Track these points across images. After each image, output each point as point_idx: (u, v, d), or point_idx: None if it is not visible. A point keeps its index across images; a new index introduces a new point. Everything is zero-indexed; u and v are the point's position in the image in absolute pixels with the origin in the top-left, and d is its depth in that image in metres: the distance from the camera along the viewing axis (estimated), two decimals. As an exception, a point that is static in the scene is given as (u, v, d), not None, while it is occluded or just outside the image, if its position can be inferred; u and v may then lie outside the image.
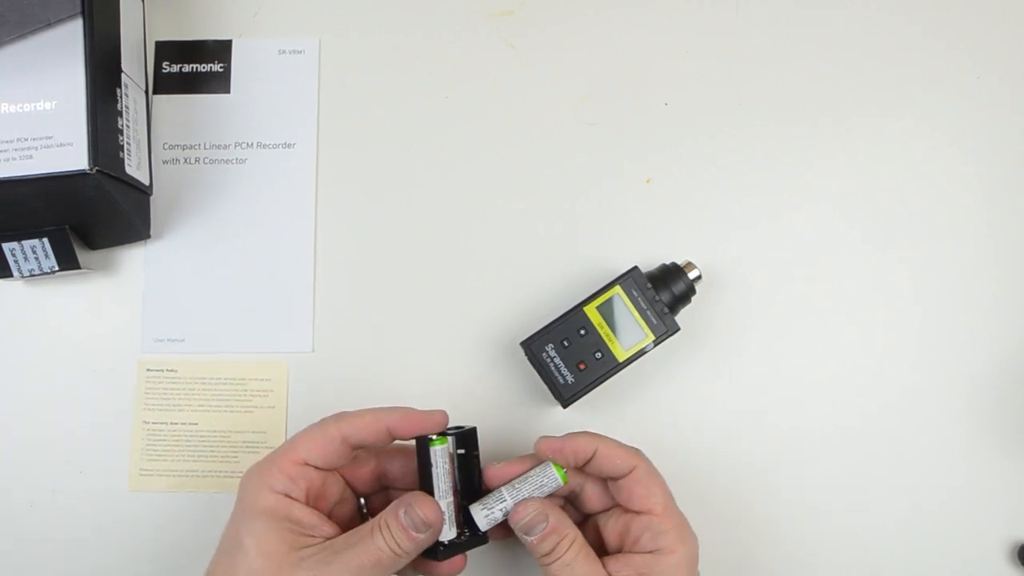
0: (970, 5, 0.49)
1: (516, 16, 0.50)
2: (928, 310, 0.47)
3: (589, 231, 0.48)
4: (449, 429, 0.39)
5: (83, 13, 0.41)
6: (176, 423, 0.46)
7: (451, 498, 0.38)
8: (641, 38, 0.50)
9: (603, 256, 0.47)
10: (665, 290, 0.43)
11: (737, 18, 0.50)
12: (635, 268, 0.43)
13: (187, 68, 0.49)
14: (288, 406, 0.46)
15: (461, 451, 0.39)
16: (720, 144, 0.48)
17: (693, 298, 0.44)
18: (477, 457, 0.40)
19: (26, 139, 0.40)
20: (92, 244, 0.46)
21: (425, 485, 0.37)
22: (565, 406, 0.43)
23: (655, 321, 0.43)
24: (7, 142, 0.40)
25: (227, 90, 0.49)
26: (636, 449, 0.39)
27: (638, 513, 0.37)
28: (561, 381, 0.42)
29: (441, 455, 0.37)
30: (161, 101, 0.49)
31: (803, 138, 0.48)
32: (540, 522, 0.37)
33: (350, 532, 0.36)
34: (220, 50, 0.49)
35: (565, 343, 0.42)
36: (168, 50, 0.49)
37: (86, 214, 0.43)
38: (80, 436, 0.46)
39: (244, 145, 0.48)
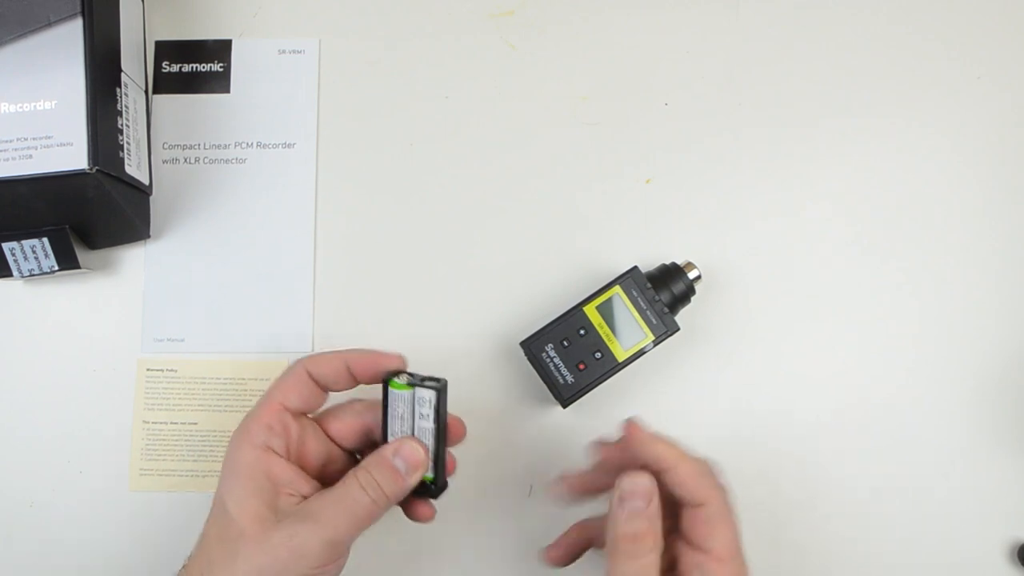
0: (970, 6, 0.49)
1: (516, 16, 0.50)
2: (928, 310, 0.47)
3: (589, 231, 0.48)
4: (428, 381, 0.37)
5: (83, 13, 0.41)
6: (176, 423, 0.46)
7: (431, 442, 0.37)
8: (641, 38, 0.50)
9: (603, 256, 0.47)
10: (665, 290, 0.43)
11: (737, 18, 0.50)
12: (635, 268, 0.43)
13: (187, 68, 0.49)
14: (288, 406, 0.46)
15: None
16: (720, 144, 0.48)
17: (693, 298, 0.44)
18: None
19: (26, 139, 0.40)
20: (92, 244, 0.46)
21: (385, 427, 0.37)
22: (565, 406, 0.43)
23: (655, 321, 0.43)
24: (7, 142, 0.40)
25: (227, 90, 0.49)
26: (715, 484, 0.35)
27: (697, 548, 0.35)
28: (561, 381, 0.42)
29: (402, 399, 0.36)
30: (161, 101, 0.49)
31: (803, 138, 0.48)
32: (644, 499, 0.34)
33: (328, 489, 0.35)
34: (220, 50, 0.49)
35: (565, 343, 0.42)
36: (168, 50, 0.49)
37: (86, 214, 0.43)
38: (80, 436, 0.46)
39: (244, 145, 0.48)
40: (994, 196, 0.48)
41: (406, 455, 0.35)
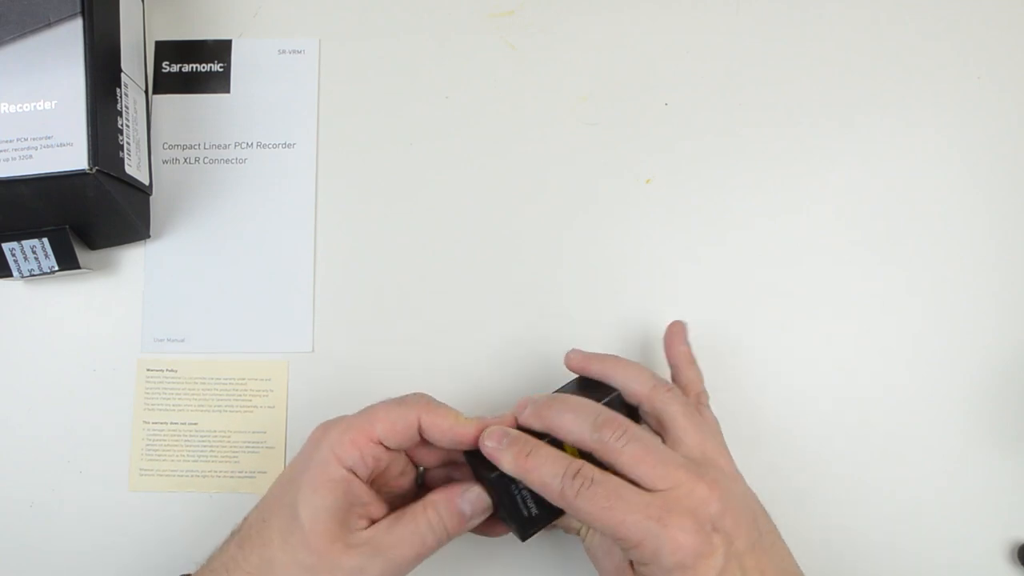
0: (970, 6, 0.49)
1: (516, 16, 0.50)
2: (927, 310, 0.47)
3: (589, 231, 0.48)
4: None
5: (83, 13, 0.41)
6: (176, 423, 0.46)
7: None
8: (641, 38, 0.50)
9: (603, 256, 0.47)
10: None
11: (737, 18, 0.50)
12: (616, 394, 0.39)
13: (187, 68, 0.49)
14: (288, 406, 0.46)
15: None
16: (720, 144, 0.48)
17: None
18: None
19: (26, 139, 0.40)
20: (92, 244, 0.46)
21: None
22: (524, 539, 0.37)
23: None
24: (7, 142, 0.40)
25: (227, 90, 0.49)
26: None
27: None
28: (525, 514, 0.37)
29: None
30: (161, 101, 0.49)
31: (803, 138, 0.48)
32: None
33: (394, 518, 0.36)
34: (220, 50, 0.49)
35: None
36: (168, 50, 0.49)
37: (86, 214, 0.43)
38: (80, 436, 0.46)
39: (244, 145, 0.48)
40: (994, 196, 0.48)
41: (473, 499, 0.36)
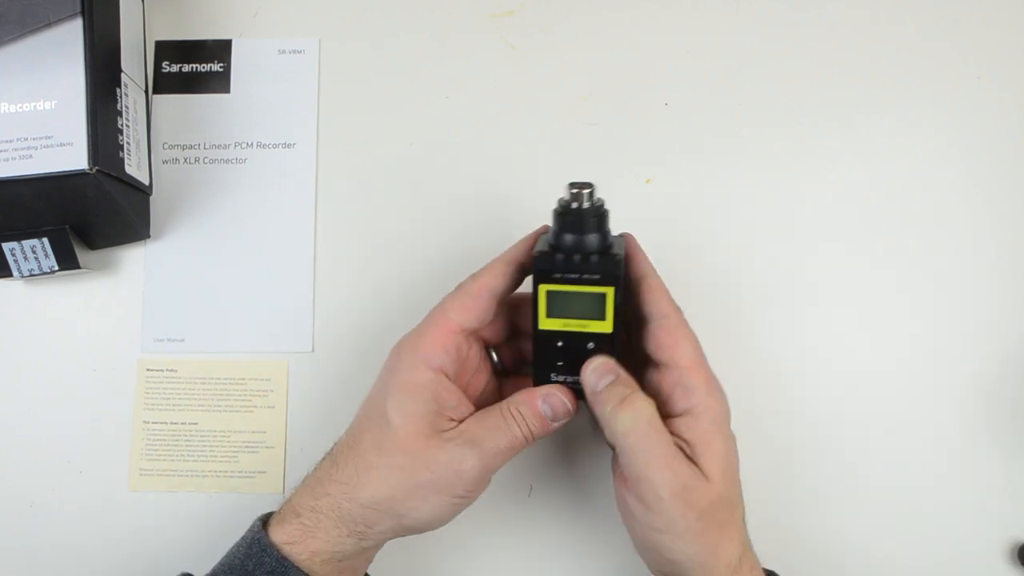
0: (970, 6, 0.49)
1: (516, 16, 0.50)
2: (928, 310, 0.47)
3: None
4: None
5: (83, 13, 0.41)
6: (176, 423, 0.46)
7: None
8: (641, 38, 0.50)
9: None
10: (579, 243, 0.36)
11: (737, 18, 0.50)
12: (538, 254, 0.37)
13: (187, 68, 0.49)
14: (288, 406, 0.46)
15: None
16: (720, 144, 0.48)
17: (611, 216, 0.38)
18: None
19: (26, 139, 0.40)
20: (92, 244, 0.46)
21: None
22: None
23: (599, 276, 0.36)
24: (7, 142, 0.40)
25: (227, 90, 0.49)
26: (672, 300, 0.38)
27: (668, 367, 0.36)
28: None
29: None
30: (161, 101, 0.49)
31: (803, 138, 0.48)
32: (613, 372, 0.37)
33: (483, 413, 0.37)
34: (220, 50, 0.49)
35: (559, 363, 0.38)
36: (168, 50, 0.49)
37: (86, 214, 0.43)
38: (80, 436, 0.46)
39: (244, 145, 0.48)
40: (994, 196, 0.48)
41: (554, 404, 0.37)
